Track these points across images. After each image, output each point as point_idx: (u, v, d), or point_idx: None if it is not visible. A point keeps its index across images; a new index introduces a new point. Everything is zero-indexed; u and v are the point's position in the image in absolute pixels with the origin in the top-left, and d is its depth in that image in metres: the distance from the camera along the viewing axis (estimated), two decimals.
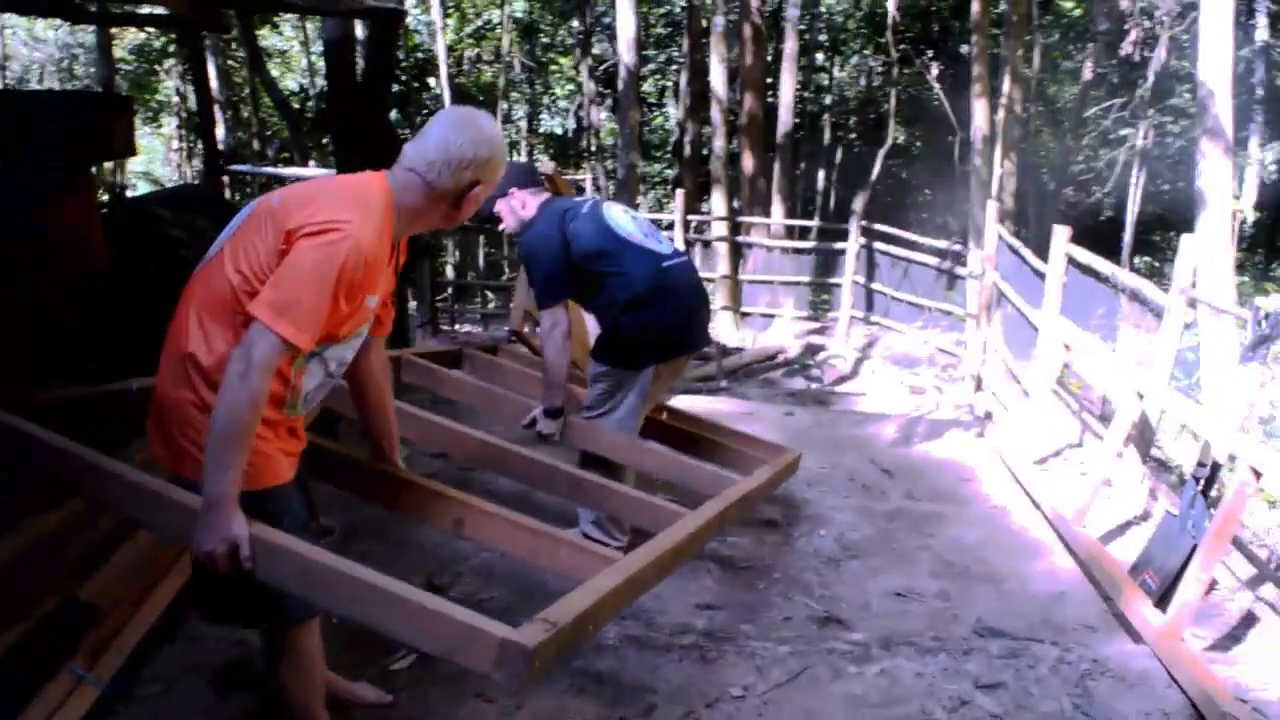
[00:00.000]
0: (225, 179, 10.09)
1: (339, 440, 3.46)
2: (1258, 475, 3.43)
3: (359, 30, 7.62)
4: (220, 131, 17.04)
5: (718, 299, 13.49)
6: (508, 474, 3.64)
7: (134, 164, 21.71)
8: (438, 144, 2.27)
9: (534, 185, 4.02)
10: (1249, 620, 3.90)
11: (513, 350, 5.20)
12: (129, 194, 20.20)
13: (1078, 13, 20.28)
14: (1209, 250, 6.95)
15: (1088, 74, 19.21)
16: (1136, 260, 17.73)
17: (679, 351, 4.08)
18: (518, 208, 3.98)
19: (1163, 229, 22.01)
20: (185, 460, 2.22)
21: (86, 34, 22.25)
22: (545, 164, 5.12)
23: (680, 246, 11.83)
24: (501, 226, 4.09)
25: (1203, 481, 3.95)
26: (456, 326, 14.30)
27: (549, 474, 3.41)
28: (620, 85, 9.14)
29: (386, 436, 2.79)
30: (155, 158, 23.12)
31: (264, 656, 2.57)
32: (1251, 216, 17.70)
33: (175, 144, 22.93)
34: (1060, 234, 6.08)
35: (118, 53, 19.86)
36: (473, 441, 3.51)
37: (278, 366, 2.10)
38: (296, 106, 20.14)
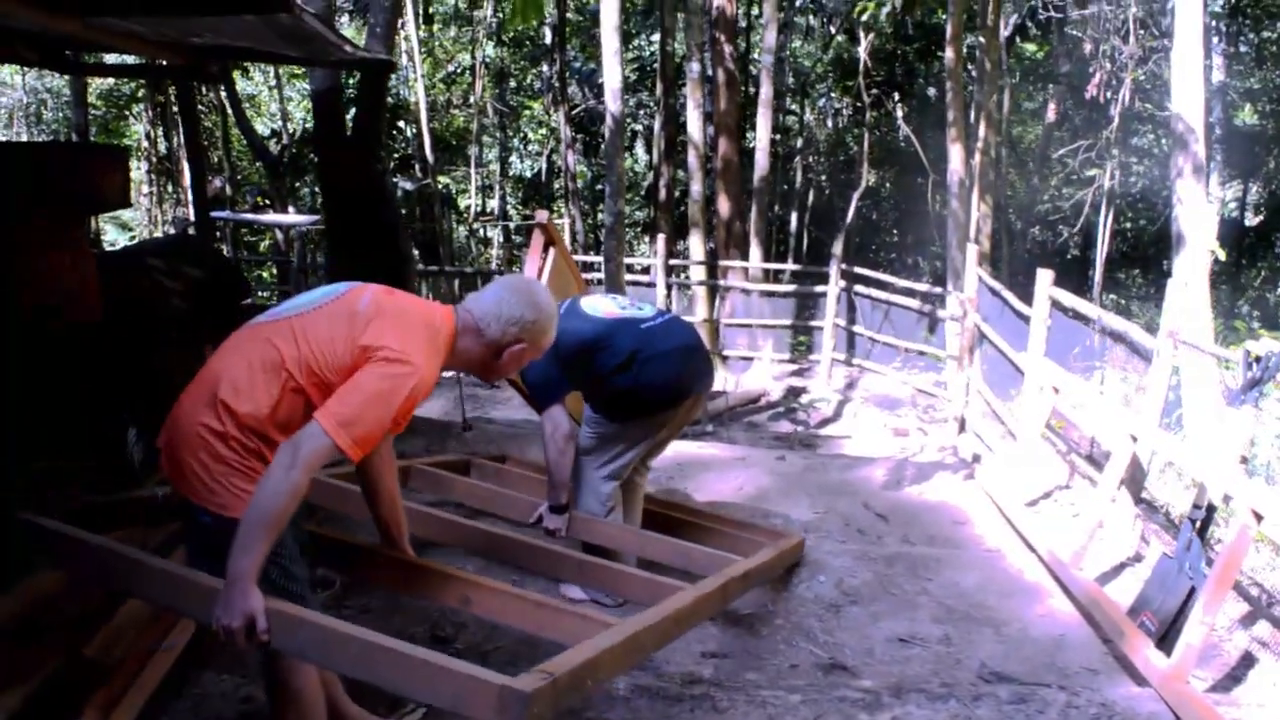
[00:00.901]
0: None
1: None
2: (1259, 518, 3.48)
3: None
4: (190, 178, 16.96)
5: None
6: (518, 563, 3.87)
7: None
8: (493, 300, 2.57)
9: None
10: (1248, 660, 3.94)
11: (517, 458, 5.52)
12: (104, 240, 20.07)
13: (1040, 55, 20.67)
14: (1189, 291, 7.06)
15: (1051, 115, 19.54)
16: (1105, 298, 18.00)
17: (672, 404, 4.16)
18: None
19: (1127, 266, 22.35)
20: (187, 477, 2.32)
21: (54, 80, 22.14)
22: (541, 213, 5.18)
23: (662, 291, 11.92)
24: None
25: (1199, 523, 4.00)
26: None
27: (557, 560, 3.59)
28: (607, 134, 9.22)
29: (396, 524, 2.95)
30: None
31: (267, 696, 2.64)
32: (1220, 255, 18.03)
33: (145, 188, 22.79)
34: (1044, 277, 6.18)
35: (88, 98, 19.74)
36: (483, 535, 3.71)
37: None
38: (275, 152, 20.09)
